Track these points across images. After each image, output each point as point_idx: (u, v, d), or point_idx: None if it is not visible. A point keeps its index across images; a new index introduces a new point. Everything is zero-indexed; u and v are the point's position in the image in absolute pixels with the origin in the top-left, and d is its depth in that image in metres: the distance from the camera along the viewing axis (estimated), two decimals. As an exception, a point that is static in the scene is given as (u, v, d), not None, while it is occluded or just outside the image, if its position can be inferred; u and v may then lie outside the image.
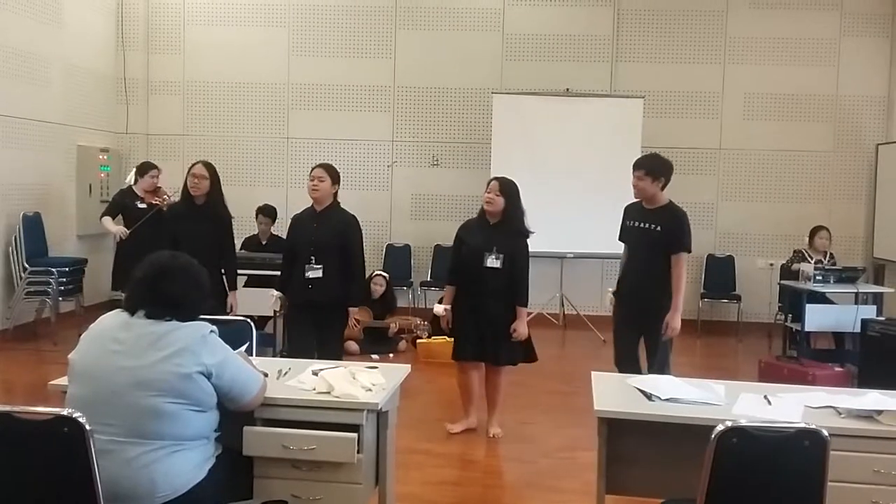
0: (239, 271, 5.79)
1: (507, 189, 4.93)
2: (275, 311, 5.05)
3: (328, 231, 4.98)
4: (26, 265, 7.38)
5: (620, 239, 5.09)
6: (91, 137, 8.76)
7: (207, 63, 9.38)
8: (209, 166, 5.44)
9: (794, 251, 7.72)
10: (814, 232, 7.69)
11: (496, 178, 5.04)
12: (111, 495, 2.41)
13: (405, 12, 9.25)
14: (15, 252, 7.40)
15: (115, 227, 7.07)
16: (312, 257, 4.94)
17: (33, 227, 7.59)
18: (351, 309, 5.02)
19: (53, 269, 7.41)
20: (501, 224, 4.95)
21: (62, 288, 7.49)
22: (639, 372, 4.59)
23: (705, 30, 9.06)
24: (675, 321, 4.76)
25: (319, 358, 4.07)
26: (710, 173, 9.17)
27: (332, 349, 4.87)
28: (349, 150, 9.34)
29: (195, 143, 9.38)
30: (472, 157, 9.07)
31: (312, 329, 4.96)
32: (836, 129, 9.04)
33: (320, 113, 9.36)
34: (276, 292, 5.15)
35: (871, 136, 8.99)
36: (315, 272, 4.93)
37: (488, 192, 4.94)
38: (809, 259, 7.45)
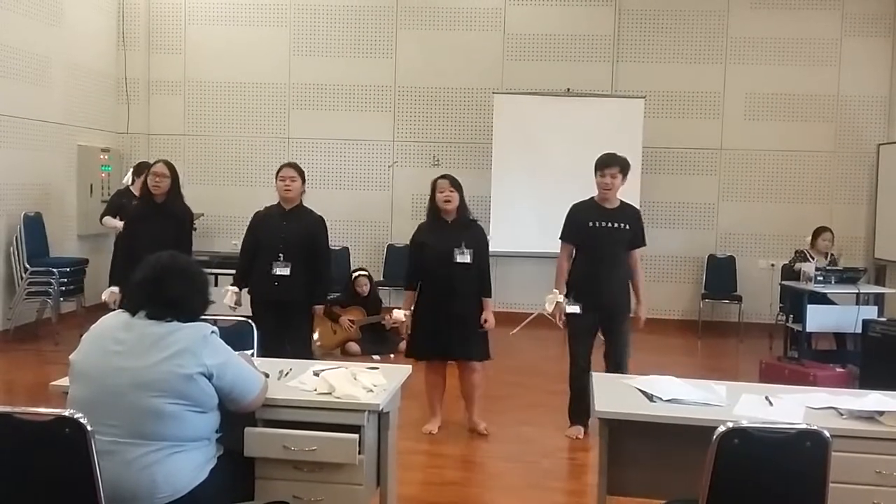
0: (228, 270, 5.80)
1: (458, 185, 5.02)
2: (231, 308, 4.99)
3: (298, 230, 5.04)
4: (27, 265, 7.38)
5: (571, 239, 5.07)
6: (92, 137, 8.76)
7: (208, 63, 9.38)
8: (170, 165, 5.47)
9: (796, 251, 7.71)
10: (817, 233, 7.67)
11: (444, 177, 5.06)
12: (112, 496, 2.41)
13: (406, 12, 9.25)
14: (16, 252, 7.40)
15: (119, 224, 7.05)
16: (281, 255, 4.97)
17: (34, 227, 7.59)
18: (316, 308, 5.09)
19: (54, 270, 7.41)
20: (458, 220, 5.02)
21: (63, 288, 7.49)
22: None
23: (706, 30, 9.06)
24: (644, 314, 4.97)
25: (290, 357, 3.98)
26: (711, 173, 9.16)
27: (300, 349, 4.90)
28: (350, 150, 9.34)
29: (196, 143, 9.40)
30: (472, 158, 9.07)
31: (277, 328, 4.95)
32: (837, 129, 9.04)
33: (321, 113, 9.36)
34: (232, 287, 5.12)
35: (873, 136, 8.98)
36: (283, 269, 4.96)
37: (441, 192, 4.98)
38: (811, 260, 7.44)
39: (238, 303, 5.11)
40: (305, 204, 5.28)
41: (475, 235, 5.04)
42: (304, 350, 4.96)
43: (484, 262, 5.04)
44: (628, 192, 5.17)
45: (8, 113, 7.41)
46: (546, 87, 8.97)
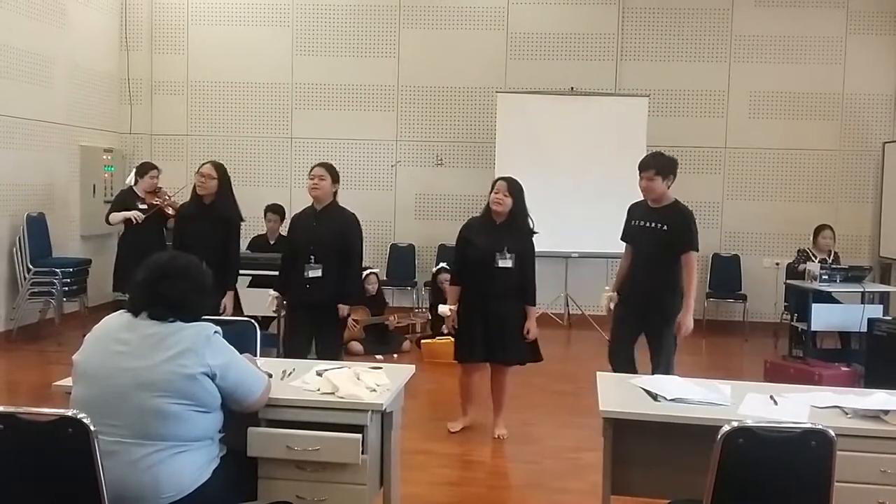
0: (243, 272, 5.78)
1: (515, 189, 4.93)
2: (273, 312, 5.01)
3: (328, 230, 4.98)
4: (30, 266, 7.39)
5: (624, 238, 5.05)
6: (94, 138, 8.77)
7: (211, 63, 9.38)
8: (218, 166, 5.43)
9: (799, 251, 7.69)
10: (817, 231, 7.65)
11: (503, 179, 5.01)
12: (116, 496, 2.41)
13: (409, 11, 9.24)
14: (19, 253, 7.41)
15: (128, 213, 7.03)
16: (312, 256, 4.93)
17: (37, 227, 7.60)
18: (342, 307, 5.00)
19: (57, 270, 7.42)
20: (508, 223, 4.94)
21: (66, 289, 7.49)
22: (634, 371, 4.58)
23: (710, 28, 9.04)
24: (688, 320, 4.73)
25: (319, 359, 4.00)
26: (716, 172, 9.14)
27: (331, 350, 4.88)
28: (353, 150, 9.33)
29: (199, 144, 9.40)
30: (476, 157, 9.06)
31: (309, 330, 4.95)
32: (842, 127, 9.01)
33: (324, 113, 9.36)
34: (273, 292, 5.13)
35: (878, 134, 8.95)
36: (315, 271, 4.93)
37: (496, 193, 4.91)
38: (814, 258, 7.41)
39: (279, 308, 5.09)
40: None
41: (521, 242, 4.95)
42: (333, 352, 4.89)
43: (528, 271, 4.97)
44: (633, 189, 5.09)
45: (11, 113, 7.42)
46: (549, 86, 8.95)
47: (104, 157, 8.83)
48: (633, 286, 4.89)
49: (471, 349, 4.98)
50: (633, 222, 4.95)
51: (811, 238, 7.72)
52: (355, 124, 9.31)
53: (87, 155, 8.57)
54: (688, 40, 9.05)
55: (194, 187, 5.42)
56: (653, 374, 4.48)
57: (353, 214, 5.12)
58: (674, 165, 4.87)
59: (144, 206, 7.13)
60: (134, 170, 7.50)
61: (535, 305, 5.02)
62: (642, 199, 4.98)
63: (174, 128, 9.47)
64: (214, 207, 5.37)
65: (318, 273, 4.92)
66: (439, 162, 9.22)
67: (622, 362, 4.78)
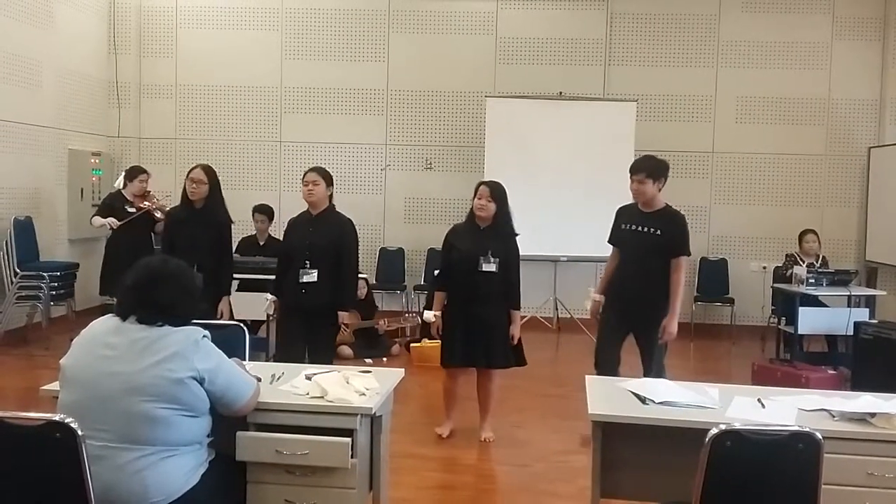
0: (234, 275, 5.76)
1: (498, 193, 4.94)
2: (268, 315, 5.00)
3: (324, 235, 4.97)
4: (17, 270, 7.34)
5: (612, 241, 5.06)
6: (83, 141, 8.73)
7: (200, 66, 9.36)
8: (208, 170, 5.39)
9: (787, 255, 7.73)
10: (802, 235, 7.70)
11: (485, 184, 5.01)
12: (104, 501, 2.40)
13: (398, 15, 9.25)
14: (6, 256, 7.36)
15: (105, 220, 7.04)
16: (307, 261, 4.92)
17: (24, 231, 7.55)
18: (341, 313, 5.00)
19: (45, 274, 7.37)
20: (492, 228, 4.95)
21: (53, 293, 7.44)
22: (616, 375, 4.61)
23: (698, 33, 9.09)
24: (672, 325, 4.76)
25: (311, 363, 3.98)
26: (703, 177, 9.18)
27: (324, 355, 4.85)
28: (342, 154, 9.33)
29: (188, 147, 9.37)
30: (465, 161, 9.07)
31: (302, 334, 4.94)
32: (828, 132, 9.07)
33: (313, 116, 9.35)
34: (270, 296, 5.13)
35: (863, 139, 9.02)
36: (310, 276, 4.91)
37: (479, 198, 4.91)
38: (801, 262, 7.46)
39: (275, 311, 5.09)
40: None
41: (505, 246, 4.96)
42: (327, 357, 4.89)
43: (512, 274, 4.98)
44: (621, 193, 5.10)
45: (-1, 117, 7.39)
46: (538, 90, 8.98)
47: (92, 160, 8.79)
48: (622, 290, 4.89)
49: (453, 353, 4.99)
50: (623, 226, 4.94)
51: (797, 242, 7.76)
52: (345, 128, 9.30)
53: (75, 158, 8.53)
54: (675, 46, 9.10)
55: (184, 192, 5.37)
56: (644, 377, 4.50)
57: (349, 220, 5.12)
58: (665, 168, 4.86)
59: (133, 210, 7.11)
60: (123, 173, 7.47)
61: (519, 309, 5.03)
62: (631, 202, 4.98)
63: (163, 131, 9.44)
64: (205, 211, 5.34)
65: (314, 278, 4.90)
66: (429, 166, 9.23)
67: (606, 365, 4.81)
